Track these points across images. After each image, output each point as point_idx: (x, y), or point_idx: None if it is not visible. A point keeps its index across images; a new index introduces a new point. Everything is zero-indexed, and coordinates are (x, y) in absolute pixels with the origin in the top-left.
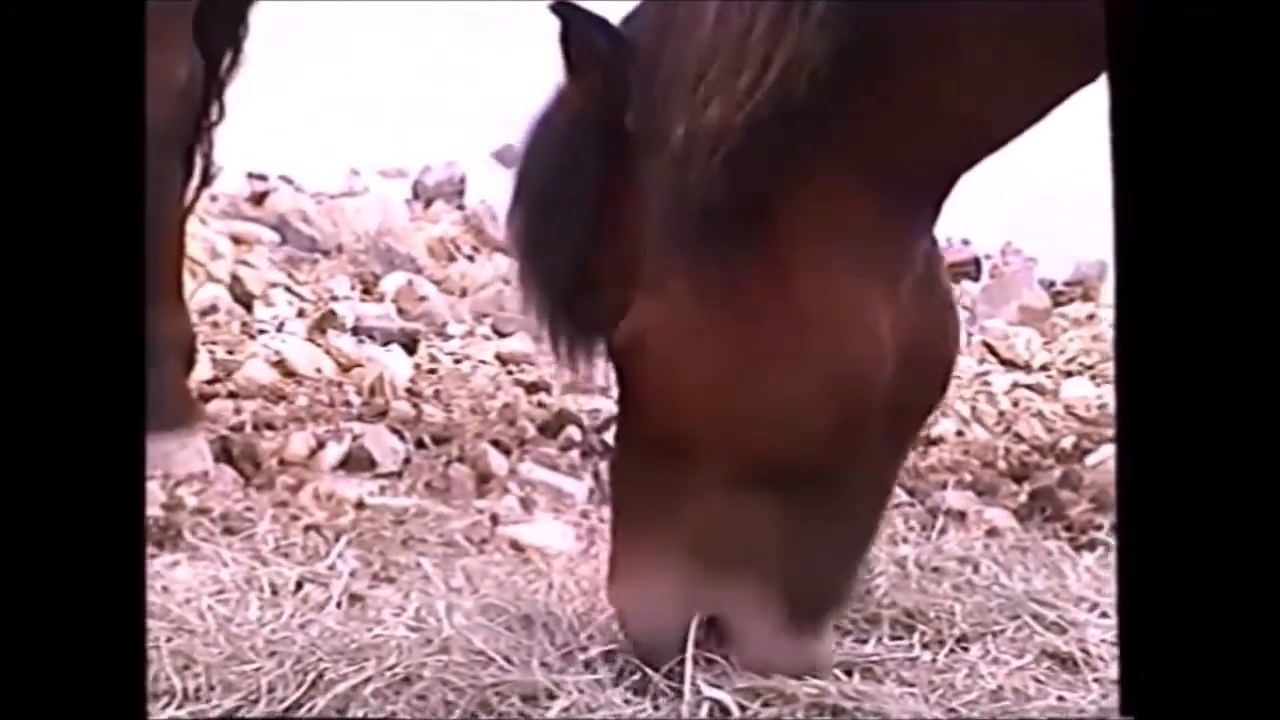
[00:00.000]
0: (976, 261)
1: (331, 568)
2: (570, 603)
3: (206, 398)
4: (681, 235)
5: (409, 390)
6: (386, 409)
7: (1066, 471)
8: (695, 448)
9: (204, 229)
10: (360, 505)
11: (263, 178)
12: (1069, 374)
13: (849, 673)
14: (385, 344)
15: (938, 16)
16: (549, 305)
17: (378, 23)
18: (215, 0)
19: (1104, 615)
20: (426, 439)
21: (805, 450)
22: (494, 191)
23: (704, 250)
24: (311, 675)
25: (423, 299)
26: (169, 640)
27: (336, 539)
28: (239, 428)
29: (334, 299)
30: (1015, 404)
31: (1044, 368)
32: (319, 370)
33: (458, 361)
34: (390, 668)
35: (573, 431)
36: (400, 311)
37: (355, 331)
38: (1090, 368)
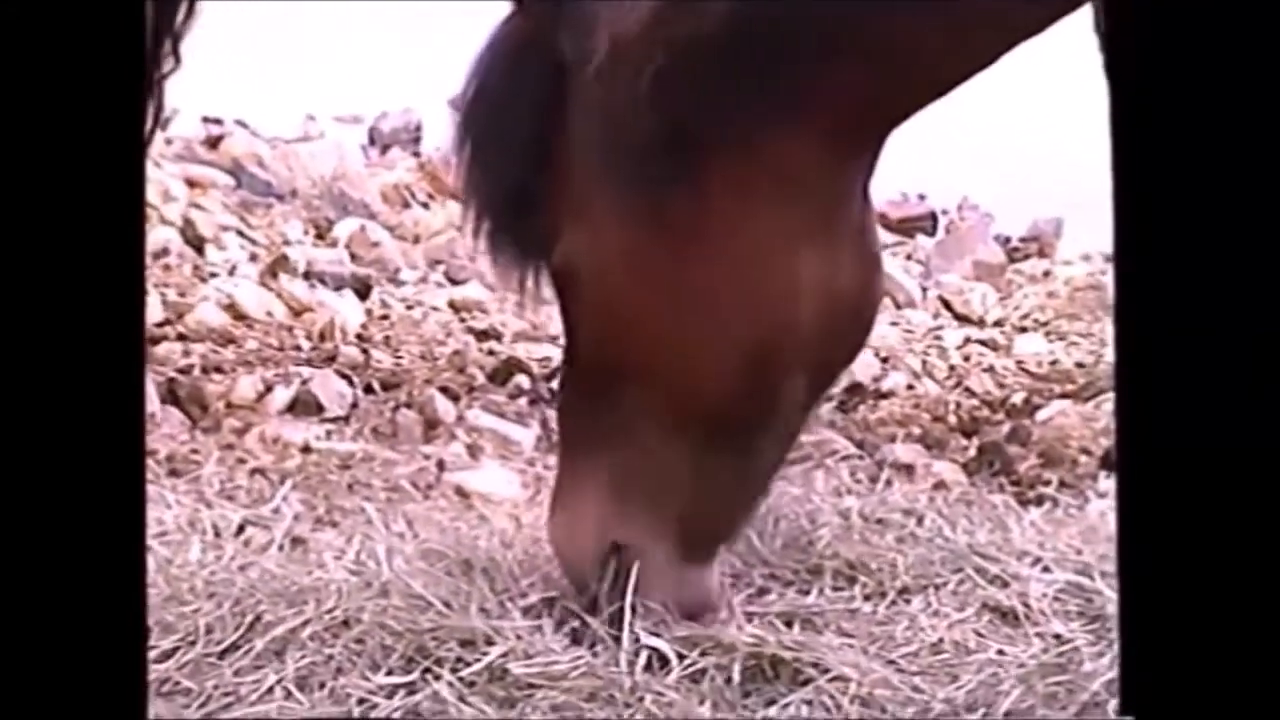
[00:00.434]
0: (932, 216)
1: (275, 511)
2: (511, 549)
3: (155, 340)
4: (609, 161)
5: (359, 336)
6: (335, 354)
7: (1015, 427)
8: (621, 381)
9: (158, 172)
10: (306, 449)
11: (218, 121)
12: (1023, 330)
13: (789, 623)
14: (337, 289)
15: None
16: (491, 227)
17: None
18: None
19: (1046, 569)
20: (375, 384)
21: (719, 389)
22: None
23: (631, 178)
24: (250, 617)
25: (376, 245)
26: None
27: (281, 482)
28: (187, 370)
29: (287, 244)
30: (967, 359)
31: (998, 323)
32: (269, 314)
33: (410, 308)
34: (329, 610)
35: (522, 380)
36: (353, 257)
37: (307, 276)
38: (1044, 324)
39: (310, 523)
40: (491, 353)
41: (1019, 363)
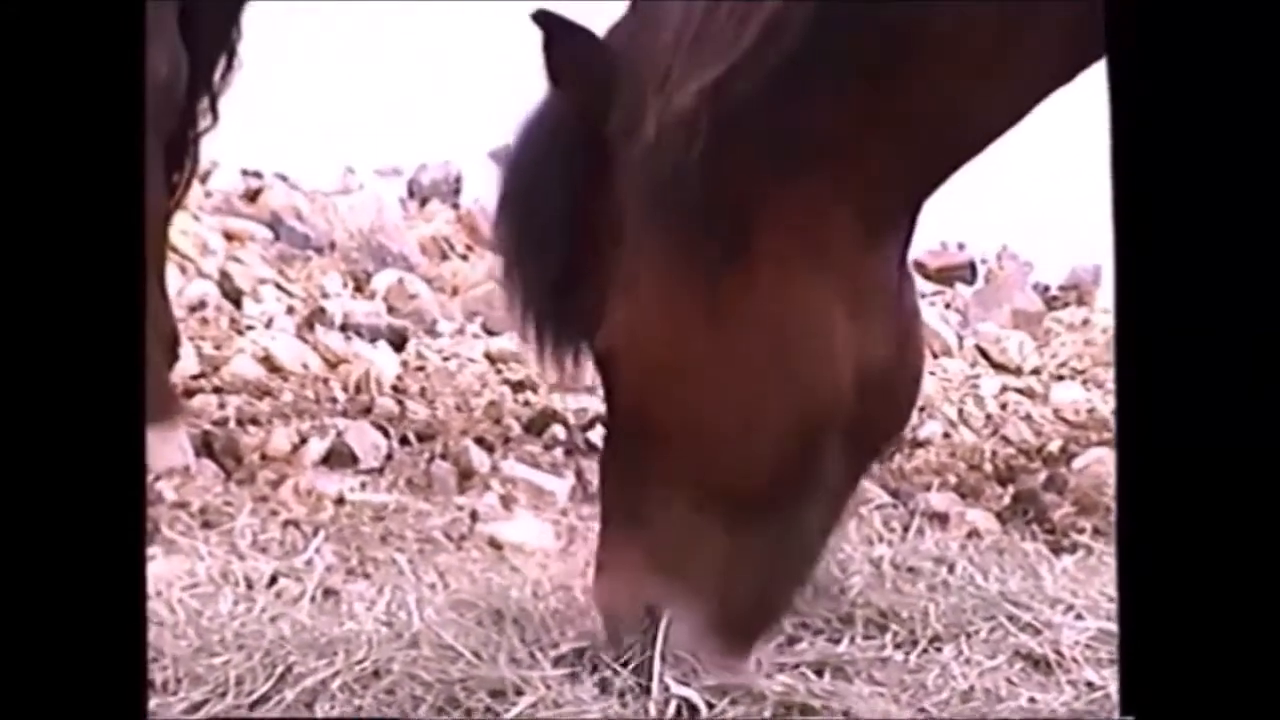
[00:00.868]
0: (971, 265)
1: (308, 563)
2: (543, 599)
3: (191, 393)
4: (656, 241)
5: (395, 387)
6: (371, 405)
7: (1052, 474)
8: (660, 456)
9: (196, 225)
10: (340, 501)
11: (258, 175)
12: (1060, 378)
13: (820, 672)
14: (373, 340)
15: (923, 16)
16: (534, 306)
17: (376, 21)
18: (205, 1)
19: (1079, 617)
20: (410, 435)
21: (759, 463)
22: (489, 191)
23: (681, 257)
24: (280, 668)
25: (413, 297)
26: None
27: (314, 534)
28: (222, 422)
29: (324, 296)
30: (1004, 407)
31: (1035, 371)
32: (305, 366)
33: (446, 359)
34: (359, 661)
35: (557, 430)
36: (390, 309)
37: (343, 328)
38: (1081, 372)
39: (342, 574)
40: (527, 403)
41: (1056, 411)
